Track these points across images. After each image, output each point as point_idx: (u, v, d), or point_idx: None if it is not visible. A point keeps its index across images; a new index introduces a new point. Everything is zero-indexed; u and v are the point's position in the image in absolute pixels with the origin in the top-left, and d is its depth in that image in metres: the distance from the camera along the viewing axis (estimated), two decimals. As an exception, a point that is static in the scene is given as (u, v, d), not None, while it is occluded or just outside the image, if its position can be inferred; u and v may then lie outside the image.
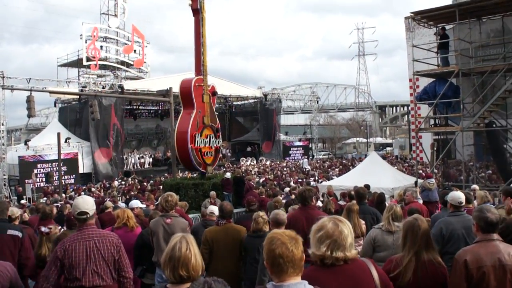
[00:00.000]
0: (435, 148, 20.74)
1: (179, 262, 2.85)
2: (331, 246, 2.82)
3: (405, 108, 76.73)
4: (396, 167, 25.49)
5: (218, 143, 17.62)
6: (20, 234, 5.56)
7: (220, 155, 20.01)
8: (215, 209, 7.39)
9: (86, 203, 4.44)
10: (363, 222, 6.75)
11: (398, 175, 18.74)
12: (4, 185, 29.03)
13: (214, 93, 17.29)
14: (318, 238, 2.86)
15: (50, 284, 4.12)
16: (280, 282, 2.54)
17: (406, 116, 66.76)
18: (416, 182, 14.43)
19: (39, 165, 29.25)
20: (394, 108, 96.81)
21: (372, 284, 2.98)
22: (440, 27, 17.94)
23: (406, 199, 8.84)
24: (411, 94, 31.45)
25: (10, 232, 5.55)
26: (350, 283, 2.86)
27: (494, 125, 16.83)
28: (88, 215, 4.37)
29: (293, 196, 12.62)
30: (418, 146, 23.90)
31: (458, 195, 5.67)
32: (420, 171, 21.94)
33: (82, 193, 21.74)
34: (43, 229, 5.63)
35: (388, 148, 61.61)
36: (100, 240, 4.34)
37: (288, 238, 2.61)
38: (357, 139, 68.96)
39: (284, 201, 10.62)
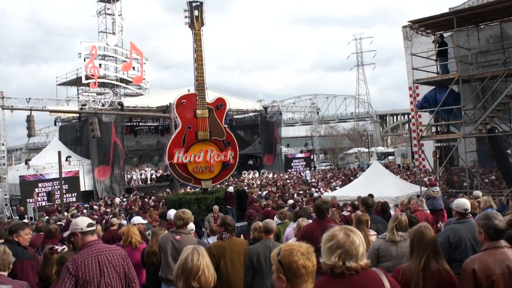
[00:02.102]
0: (437, 156, 20.70)
1: (191, 274, 2.85)
2: (342, 256, 2.79)
3: (406, 116, 76.82)
4: (399, 175, 25.39)
5: (226, 156, 17.24)
6: None
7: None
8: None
9: (87, 218, 4.61)
10: (374, 232, 6.68)
11: (401, 184, 18.68)
12: (6, 205, 28.98)
13: (218, 106, 17.10)
14: (329, 248, 2.82)
15: None
16: None
17: (407, 124, 66.78)
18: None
19: (40, 184, 29.10)
20: (395, 117, 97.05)
21: (384, 294, 2.93)
22: (438, 35, 17.97)
23: (411, 208, 8.77)
24: (411, 103, 31.67)
25: None
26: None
27: (496, 131, 16.76)
28: (94, 226, 4.51)
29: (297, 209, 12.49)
30: (420, 154, 23.90)
31: (463, 202, 5.62)
32: (424, 179, 21.87)
33: (84, 211, 21.72)
34: (57, 248, 5.49)
35: (390, 157, 61.54)
36: (110, 254, 4.36)
37: (306, 250, 2.63)
38: (359, 149, 68.88)
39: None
